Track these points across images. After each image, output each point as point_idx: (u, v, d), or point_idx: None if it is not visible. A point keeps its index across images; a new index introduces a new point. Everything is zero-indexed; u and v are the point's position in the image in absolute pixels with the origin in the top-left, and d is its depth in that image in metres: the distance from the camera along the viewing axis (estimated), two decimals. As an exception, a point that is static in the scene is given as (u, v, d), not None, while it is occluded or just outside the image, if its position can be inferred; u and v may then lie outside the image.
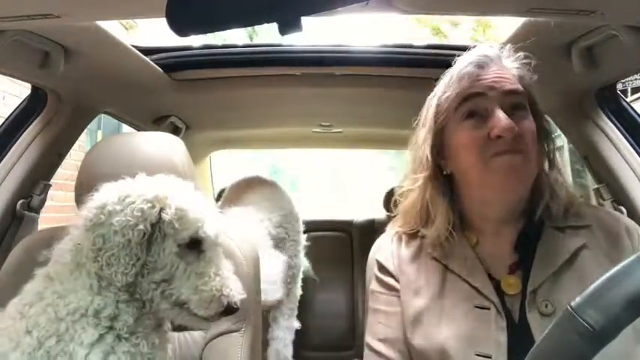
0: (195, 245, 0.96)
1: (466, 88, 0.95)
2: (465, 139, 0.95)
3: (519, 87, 0.95)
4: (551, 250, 0.93)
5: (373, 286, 1.06)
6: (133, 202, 0.92)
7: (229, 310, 0.96)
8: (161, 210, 0.93)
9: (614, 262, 0.89)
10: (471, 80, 0.95)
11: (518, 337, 0.87)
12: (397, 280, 1.02)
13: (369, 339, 1.02)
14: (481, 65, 0.96)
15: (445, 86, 0.99)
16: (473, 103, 0.94)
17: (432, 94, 1.03)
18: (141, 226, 0.90)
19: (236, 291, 0.98)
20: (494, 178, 0.92)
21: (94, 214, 0.93)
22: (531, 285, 0.90)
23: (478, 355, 0.87)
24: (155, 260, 0.94)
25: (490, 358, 0.86)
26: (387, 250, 1.07)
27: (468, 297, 0.93)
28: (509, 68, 0.98)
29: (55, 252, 0.99)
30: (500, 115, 0.90)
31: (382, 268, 1.05)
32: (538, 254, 0.93)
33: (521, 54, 1.00)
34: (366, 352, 1.01)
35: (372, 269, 1.11)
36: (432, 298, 0.96)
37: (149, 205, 0.92)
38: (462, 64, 0.97)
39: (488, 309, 0.90)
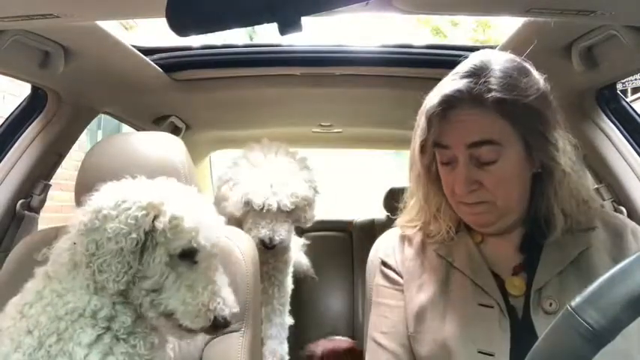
0: (188, 255, 0.93)
1: (434, 135, 0.93)
2: (441, 176, 0.97)
3: (484, 135, 0.89)
4: (557, 250, 0.93)
5: (377, 280, 1.07)
6: (129, 209, 0.90)
7: (217, 325, 0.93)
8: (155, 218, 0.91)
9: (618, 263, 0.90)
10: (437, 128, 0.92)
11: (522, 336, 0.88)
12: (400, 276, 1.03)
13: (372, 333, 1.03)
14: (450, 105, 0.90)
15: (419, 121, 0.97)
16: (441, 152, 0.94)
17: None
18: (134, 235, 0.88)
19: (228, 304, 0.95)
20: (465, 218, 0.98)
21: (89, 219, 0.91)
22: (536, 285, 0.90)
23: (481, 352, 0.87)
24: (145, 269, 0.91)
25: (493, 355, 0.87)
26: (389, 246, 1.08)
27: (472, 295, 0.93)
28: (484, 102, 0.88)
29: (54, 250, 0.99)
30: (460, 174, 0.91)
31: (385, 264, 1.06)
32: (544, 255, 0.93)
33: (512, 61, 0.93)
34: (370, 345, 1.02)
35: (372, 268, 1.12)
36: (435, 294, 0.97)
37: (143, 212, 0.90)
38: (432, 102, 0.92)
39: (492, 307, 0.91)
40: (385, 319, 1.02)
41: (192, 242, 0.91)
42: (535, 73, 0.94)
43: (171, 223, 0.91)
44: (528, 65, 0.94)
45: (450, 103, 0.90)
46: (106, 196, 0.94)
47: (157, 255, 0.91)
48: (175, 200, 0.94)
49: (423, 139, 0.94)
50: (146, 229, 0.90)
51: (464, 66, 0.93)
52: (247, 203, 1.69)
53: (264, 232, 1.70)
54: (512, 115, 0.88)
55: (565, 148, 0.92)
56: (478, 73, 0.90)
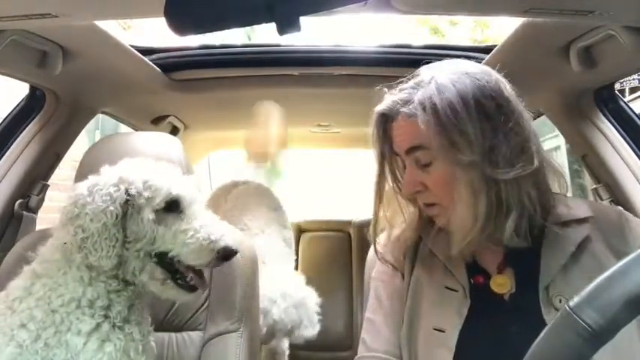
0: (172, 208, 0.99)
1: (382, 144, 1.01)
2: None
3: (415, 141, 0.94)
4: (556, 245, 0.94)
5: (374, 273, 1.11)
6: (101, 189, 0.97)
7: (225, 254, 0.99)
8: (127, 188, 0.97)
9: (619, 253, 0.90)
10: (387, 136, 1.00)
11: (518, 327, 0.89)
12: (394, 266, 1.07)
13: (367, 314, 1.07)
14: (389, 117, 0.99)
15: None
16: (397, 159, 1.01)
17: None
18: (111, 208, 0.95)
19: (227, 234, 1.00)
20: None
21: (68, 210, 0.97)
22: (542, 282, 0.91)
23: (435, 329, 0.94)
24: (136, 231, 0.97)
25: (444, 332, 0.93)
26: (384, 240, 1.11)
27: (442, 278, 0.99)
28: (413, 115, 0.92)
29: (41, 251, 1.03)
30: (405, 176, 0.98)
31: (382, 258, 1.09)
32: (544, 251, 0.94)
33: (457, 74, 0.93)
34: (364, 325, 1.06)
35: (370, 266, 1.14)
36: (413, 274, 1.03)
37: (115, 188, 0.97)
38: (376, 114, 1.00)
39: (457, 291, 0.96)
40: (377, 304, 1.06)
41: (172, 193, 0.98)
42: (484, 82, 0.92)
43: (145, 185, 0.98)
44: (478, 72, 0.94)
45: (388, 114, 0.98)
46: (79, 189, 1.00)
47: (143, 215, 0.97)
48: (143, 168, 1.02)
49: (377, 149, 1.02)
50: (121, 201, 0.96)
51: (411, 79, 0.99)
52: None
53: None
54: (422, 126, 0.91)
55: (484, 160, 0.89)
56: (414, 88, 0.95)
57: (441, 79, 0.93)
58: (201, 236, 0.97)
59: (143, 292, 1.04)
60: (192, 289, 1.03)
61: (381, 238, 1.12)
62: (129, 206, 0.97)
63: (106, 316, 0.98)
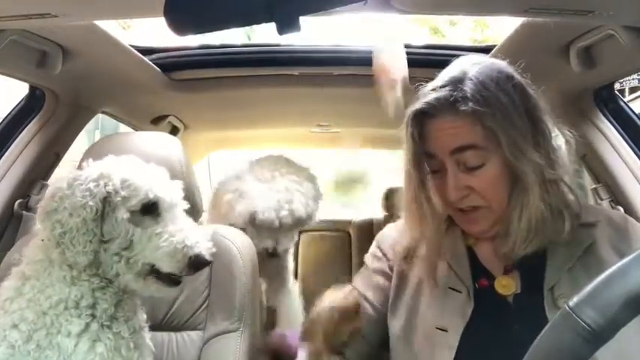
0: (150, 210, 0.97)
1: (418, 145, 0.95)
2: (434, 186, 0.98)
3: (466, 140, 0.90)
4: (563, 247, 0.93)
5: (367, 259, 1.13)
6: (81, 184, 0.95)
7: (197, 263, 0.96)
8: (106, 185, 0.95)
9: (624, 257, 0.90)
10: (422, 137, 0.95)
11: (521, 328, 0.89)
12: (388, 258, 1.08)
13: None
14: (430, 115, 0.93)
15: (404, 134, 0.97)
16: (429, 162, 0.97)
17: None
18: (91, 203, 0.93)
19: (202, 242, 0.97)
20: (463, 226, 1.00)
21: (46, 204, 0.96)
22: (547, 284, 0.91)
23: (437, 328, 0.94)
24: (111, 231, 0.95)
25: (446, 331, 0.93)
26: (384, 234, 1.13)
27: (446, 278, 0.98)
28: (463, 112, 0.89)
29: (26, 252, 1.02)
30: (450, 181, 0.92)
31: (380, 248, 1.11)
32: (550, 253, 0.94)
33: (491, 70, 0.92)
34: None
35: (380, 241, 1.15)
36: (417, 273, 1.02)
37: (95, 183, 0.95)
38: (412, 113, 0.95)
39: (460, 292, 0.96)
40: (366, 278, 1.10)
41: (149, 196, 0.96)
42: (517, 81, 0.93)
43: (123, 184, 0.96)
44: (510, 72, 0.94)
45: (429, 112, 0.93)
46: (58, 183, 0.98)
47: (117, 215, 0.95)
48: (125, 167, 0.99)
49: (412, 151, 0.96)
50: (101, 197, 0.94)
51: (443, 75, 0.95)
52: (252, 217, 1.73)
53: (268, 243, 1.77)
54: (489, 122, 0.89)
55: (542, 159, 0.90)
56: (455, 82, 0.91)
57: (477, 74, 0.91)
58: (175, 240, 0.94)
59: (127, 289, 1.02)
60: (174, 282, 0.99)
61: (385, 232, 1.14)
62: (106, 203, 0.95)
63: (93, 316, 0.96)
